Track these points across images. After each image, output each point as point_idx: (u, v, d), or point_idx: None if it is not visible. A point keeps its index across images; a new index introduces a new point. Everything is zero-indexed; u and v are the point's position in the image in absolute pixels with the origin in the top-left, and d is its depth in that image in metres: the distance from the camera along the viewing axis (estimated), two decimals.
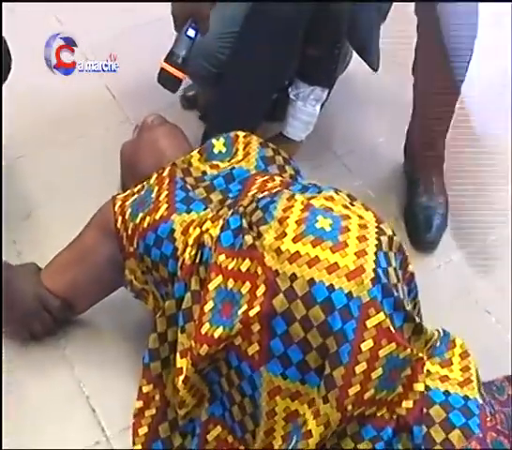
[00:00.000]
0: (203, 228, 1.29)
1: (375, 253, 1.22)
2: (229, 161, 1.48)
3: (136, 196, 1.41)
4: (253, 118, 1.78)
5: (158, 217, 1.33)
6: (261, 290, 1.19)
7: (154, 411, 1.37)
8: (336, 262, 1.19)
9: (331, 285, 1.17)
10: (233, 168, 1.45)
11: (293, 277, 1.18)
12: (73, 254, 1.48)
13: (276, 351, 1.18)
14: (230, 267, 1.24)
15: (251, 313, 1.18)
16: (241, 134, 1.53)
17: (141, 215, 1.36)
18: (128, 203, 1.40)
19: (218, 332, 1.21)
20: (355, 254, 1.21)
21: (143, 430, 1.37)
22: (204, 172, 1.46)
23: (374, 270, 1.20)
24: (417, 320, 1.25)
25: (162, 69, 1.51)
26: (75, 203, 1.82)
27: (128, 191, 1.45)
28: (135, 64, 2.21)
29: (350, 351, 1.15)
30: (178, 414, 1.33)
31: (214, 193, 1.41)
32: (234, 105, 1.66)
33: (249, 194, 1.34)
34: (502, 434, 1.20)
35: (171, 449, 1.35)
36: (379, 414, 1.21)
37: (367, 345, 1.16)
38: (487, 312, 1.68)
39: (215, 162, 1.48)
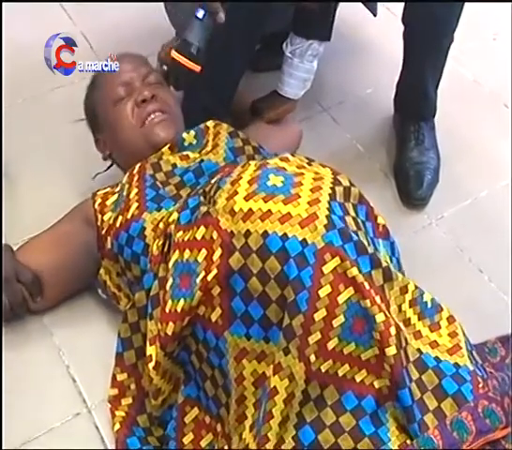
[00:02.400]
0: (171, 219, 1.30)
1: (328, 202, 1.21)
2: (199, 152, 1.49)
3: (116, 196, 1.44)
4: (235, 70, 1.71)
5: (129, 216, 1.37)
6: (217, 253, 1.18)
7: (130, 400, 1.36)
8: (288, 213, 1.18)
9: (285, 234, 1.16)
10: (202, 160, 1.46)
11: (248, 234, 1.17)
12: (51, 237, 1.49)
13: (237, 310, 1.17)
14: (185, 239, 1.23)
15: (209, 277, 1.18)
16: (211, 124, 1.55)
17: (114, 214, 1.40)
18: (108, 203, 1.44)
19: (180, 305, 1.20)
20: (308, 203, 1.20)
21: (120, 413, 1.35)
22: (174, 165, 1.47)
23: (327, 217, 1.19)
24: (384, 264, 1.22)
25: (173, 59, 1.40)
26: (51, 161, 1.81)
27: (108, 189, 1.49)
28: (113, 14, 2.15)
29: (308, 298, 1.13)
30: (155, 405, 1.31)
31: (183, 189, 1.42)
32: (214, 58, 1.56)
33: (212, 181, 1.32)
34: (493, 401, 1.17)
35: (151, 436, 1.34)
36: (358, 379, 1.17)
37: (324, 291, 1.14)
38: (480, 271, 1.64)
39: (185, 153, 1.49)
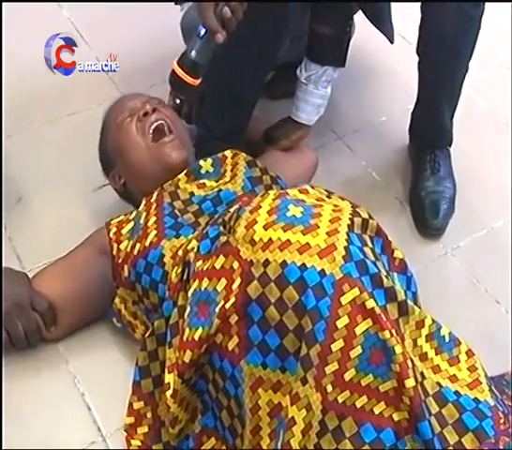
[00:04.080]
0: (189, 247, 1.30)
1: (347, 233, 1.22)
2: (217, 181, 1.49)
3: (131, 223, 1.44)
4: (246, 99, 1.71)
5: (147, 243, 1.37)
6: (236, 283, 1.19)
7: (146, 429, 1.35)
8: (307, 243, 1.18)
9: (303, 264, 1.16)
10: (221, 190, 1.47)
11: (266, 263, 1.17)
12: (65, 266, 1.49)
13: (254, 339, 1.17)
14: (204, 268, 1.24)
15: (227, 305, 1.18)
16: (229, 155, 1.55)
17: (131, 242, 1.40)
18: (123, 232, 1.44)
19: (198, 333, 1.20)
20: (327, 233, 1.21)
21: (136, 442, 1.34)
22: (192, 194, 1.47)
23: (346, 248, 1.19)
24: (400, 298, 1.22)
25: (173, 70, 1.41)
26: (66, 185, 1.81)
27: (122, 217, 1.48)
28: (130, 39, 2.16)
29: (325, 328, 1.13)
30: (172, 434, 1.30)
31: (202, 217, 1.43)
32: (227, 83, 1.57)
33: (231, 210, 1.32)
34: None
35: None
36: (377, 412, 1.16)
37: (342, 322, 1.14)
38: (497, 302, 1.63)
39: (202, 181, 1.49)
